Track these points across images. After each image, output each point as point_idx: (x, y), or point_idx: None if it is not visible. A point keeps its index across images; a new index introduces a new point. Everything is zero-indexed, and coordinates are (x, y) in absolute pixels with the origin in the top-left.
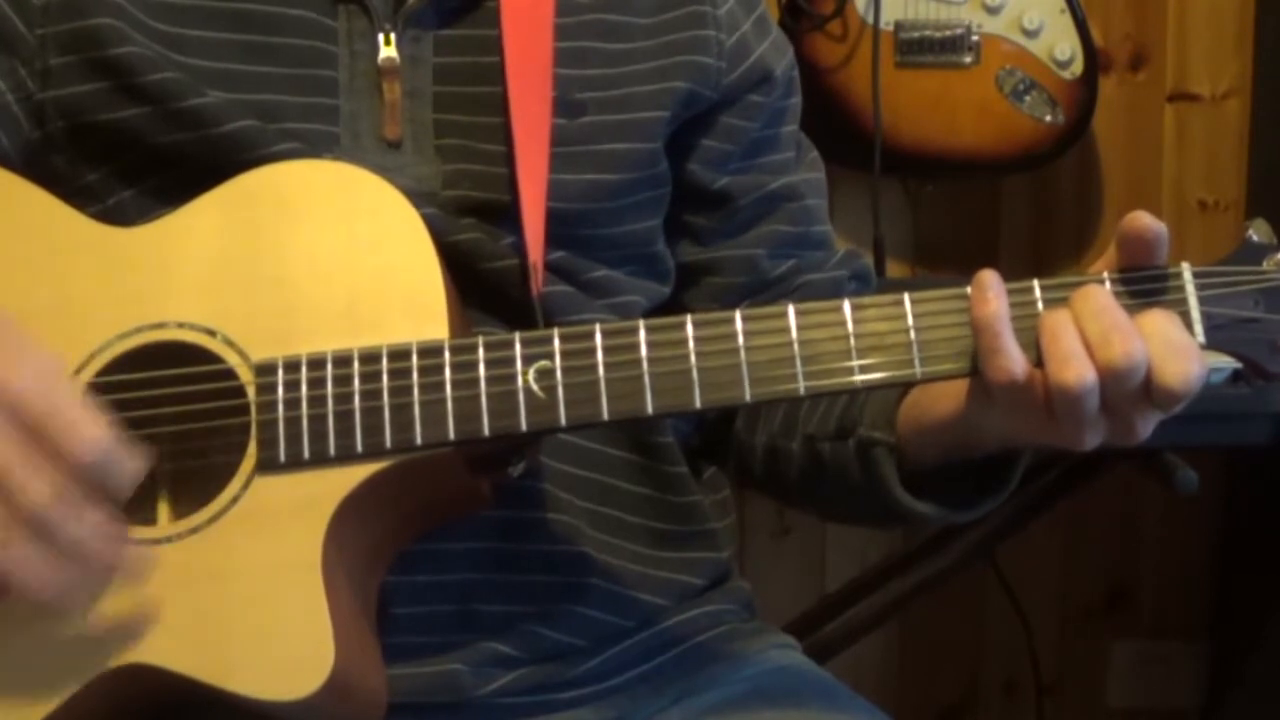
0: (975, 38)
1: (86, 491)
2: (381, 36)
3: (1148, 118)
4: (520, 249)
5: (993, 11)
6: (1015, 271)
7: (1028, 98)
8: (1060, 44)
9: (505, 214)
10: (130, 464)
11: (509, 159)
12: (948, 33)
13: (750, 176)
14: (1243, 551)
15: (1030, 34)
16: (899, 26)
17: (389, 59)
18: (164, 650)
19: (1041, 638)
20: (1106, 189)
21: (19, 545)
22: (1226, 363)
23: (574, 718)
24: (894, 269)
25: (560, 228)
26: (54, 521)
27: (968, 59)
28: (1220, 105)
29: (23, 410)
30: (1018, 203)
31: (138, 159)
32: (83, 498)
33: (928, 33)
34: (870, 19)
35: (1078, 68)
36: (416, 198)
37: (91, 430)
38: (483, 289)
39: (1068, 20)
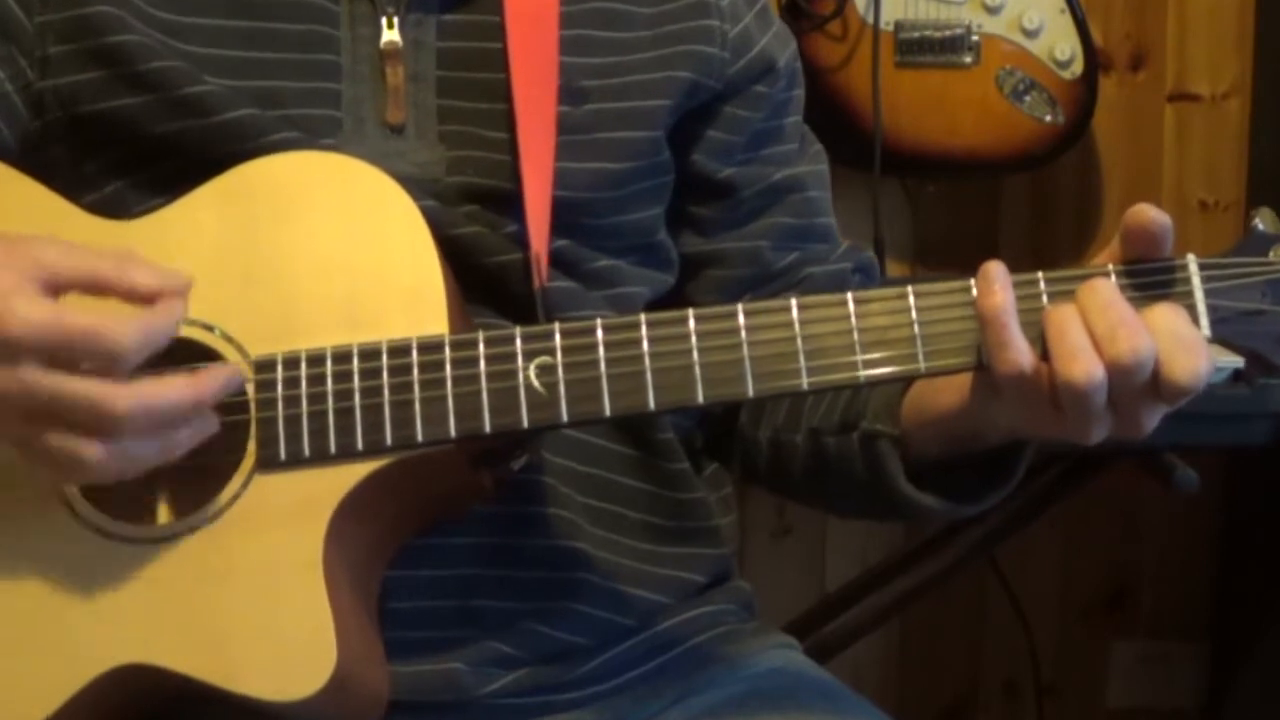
0: (975, 38)
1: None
2: (384, 20)
3: (1148, 118)
4: (522, 238)
5: (993, 11)
6: (1016, 271)
7: (1028, 98)
8: (1060, 44)
9: (508, 201)
10: (171, 325)
11: (512, 146)
12: (948, 33)
13: (754, 168)
14: (1243, 551)
15: (1030, 34)
16: (899, 26)
17: (391, 43)
18: (165, 650)
19: (1041, 638)
20: (1106, 189)
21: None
22: (1227, 363)
23: (574, 718)
24: (894, 269)
25: (564, 216)
26: (125, 424)
27: (968, 59)
28: (1220, 105)
29: (41, 347)
30: (1018, 203)
31: (136, 148)
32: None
33: (928, 33)
34: (870, 19)
35: (1078, 68)
36: (419, 184)
37: (120, 337)
38: (484, 283)
39: (1068, 20)
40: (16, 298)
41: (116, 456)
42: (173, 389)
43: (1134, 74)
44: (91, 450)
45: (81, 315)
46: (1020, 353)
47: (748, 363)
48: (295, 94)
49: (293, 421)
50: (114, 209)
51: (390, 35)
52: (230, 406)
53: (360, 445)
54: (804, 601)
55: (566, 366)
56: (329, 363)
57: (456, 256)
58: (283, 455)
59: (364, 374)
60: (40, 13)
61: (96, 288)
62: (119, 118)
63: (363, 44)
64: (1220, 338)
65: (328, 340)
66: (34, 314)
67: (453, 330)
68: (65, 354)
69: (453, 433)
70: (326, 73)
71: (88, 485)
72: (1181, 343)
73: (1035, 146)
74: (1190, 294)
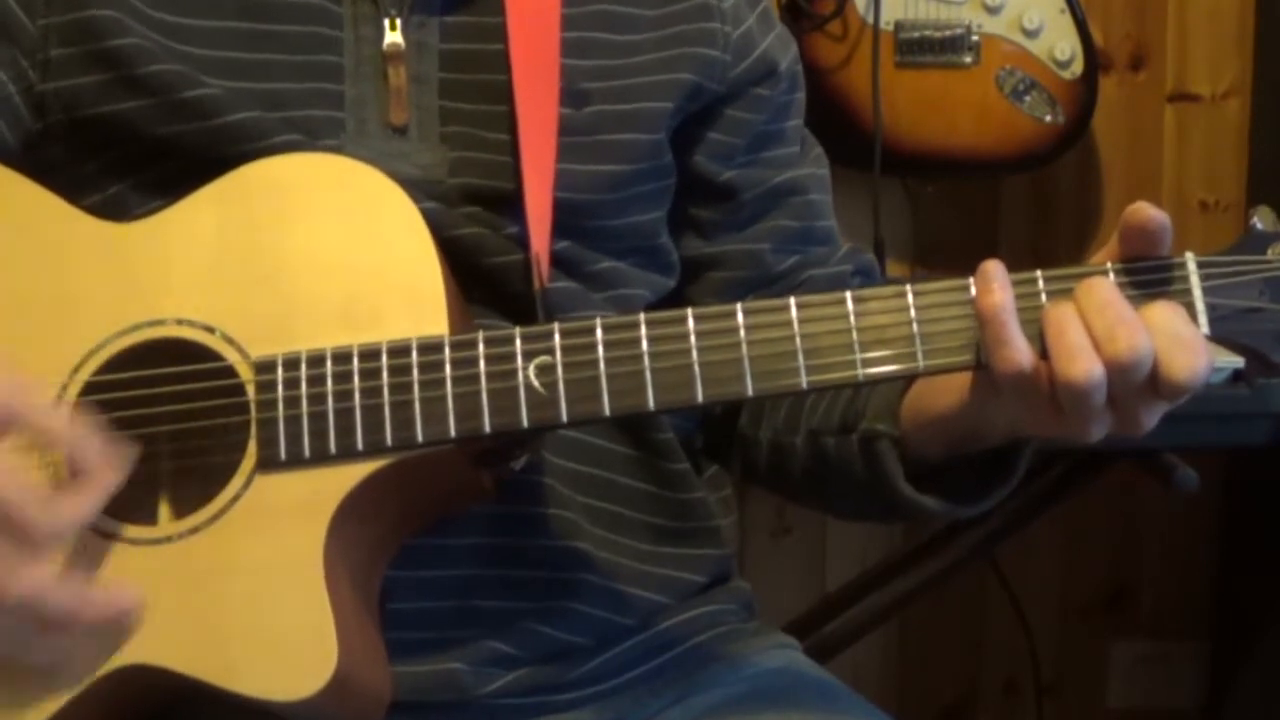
0: (975, 38)
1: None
2: (387, 22)
3: (1148, 118)
4: (523, 239)
5: (993, 11)
6: (1015, 270)
7: (1028, 98)
8: (1060, 44)
9: (509, 203)
10: (74, 518)
11: (513, 148)
12: (948, 33)
13: (755, 171)
14: (1243, 551)
15: (1030, 34)
16: (899, 26)
17: (394, 44)
18: (166, 650)
19: (1041, 638)
20: (1106, 189)
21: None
22: (1227, 363)
23: (574, 718)
24: (894, 269)
25: (566, 218)
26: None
27: (968, 59)
28: (1220, 105)
29: None
30: (1018, 203)
31: (137, 150)
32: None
33: (928, 33)
34: (870, 19)
35: (1078, 68)
36: (420, 186)
37: (36, 516)
38: (484, 284)
39: (1068, 20)
40: None
41: None
42: (64, 594)
43: (1134, 74)
44: None
45: (11, 479)
46: (1019, 351)
47: (747, 362)
48: (298, 95)
49: (293, 422)
50: (114, 211)
51: (393, 37)
52: (231, 407)
53: (360, 445)
54: (804, 601)
55: (566, 366)
56: (329, 363)
57: (458, 257)
58: (283, 455)
59: (364, 374)
60: (43, 15)
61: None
62: (120, 120)
63: (365, 45)
64: (1219, 336)
65: (328, 341)
66: None
67: (453, 331)
68: None
69: (453, 433)
70: (329, 74)
71: None
72: (1180, 341)
73: (1035, 146)
74: (1189, 292)
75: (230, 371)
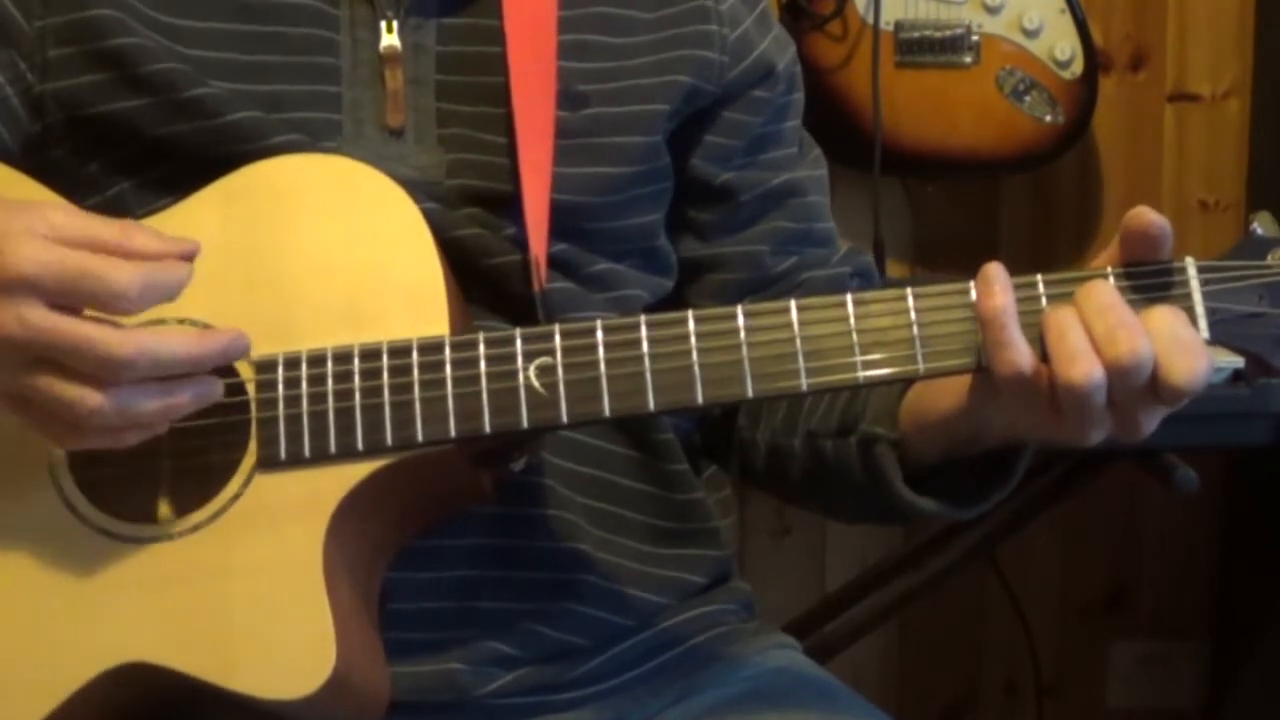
0: (975, 38)
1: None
2: (384, 24)
3: (1148, 118)
4: (522, 241)
5: (993, 11)
6: (1016, 271)
7: (1028, 98)
8: (1060, 44)
9: (507, 205)
10: (173, 281)
11: (511, 150)
12: (948, 33)
13: (753, 172)
14: (1243, 552)
15: (1030, 34)
16: (899, 26)
17: (391, 47)
18: (165, 648)
19: (1041, 638)
20: (1106, 189)
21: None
22: (1227, 363)
23: (573, 718)
24: (894, 269)
25: (563, 220)
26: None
27: (968, 59)
28: (1220, 105)
29: (44, 286)
30: (1018, 203)
31: (138, 150)
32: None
33: (928, 33)
34: (870, 19)
35: (1078, 68)
36: (419, 188)
37: (121, 277)
38: (484, 285)
39: (1068, 20)
40: (22, 238)
41: (115, 408)
42: (176, 339)
43: (1134, 74)
44: (91, 399)
45: (85, 257)
46: (1020, 354)
47: (747, 364)
48: (296, 97)
49: (293, 421)
50: (116, 211)
51: (389, 39)
52: (231, 406)
53: (361, 445)
54: (804, 601)
55: (566, 367)
56: (330, 363)
57: (457, 258)
58: (283, 455)
59: (364, 374)
60: (40, 16)
61: (98, 249)
62: (120, 120)
63: (362, 48)
64: (1219, 340)
65: (329, 341)
66: (39, 253)
67: (454, 331)
68: (68, 295)
69: (453, 433)
70: (326, 76)
71: (84, 457)
72: (1180, 344)
73: (1035, 146)
74: (1189, 296)
75: (231, 370)
